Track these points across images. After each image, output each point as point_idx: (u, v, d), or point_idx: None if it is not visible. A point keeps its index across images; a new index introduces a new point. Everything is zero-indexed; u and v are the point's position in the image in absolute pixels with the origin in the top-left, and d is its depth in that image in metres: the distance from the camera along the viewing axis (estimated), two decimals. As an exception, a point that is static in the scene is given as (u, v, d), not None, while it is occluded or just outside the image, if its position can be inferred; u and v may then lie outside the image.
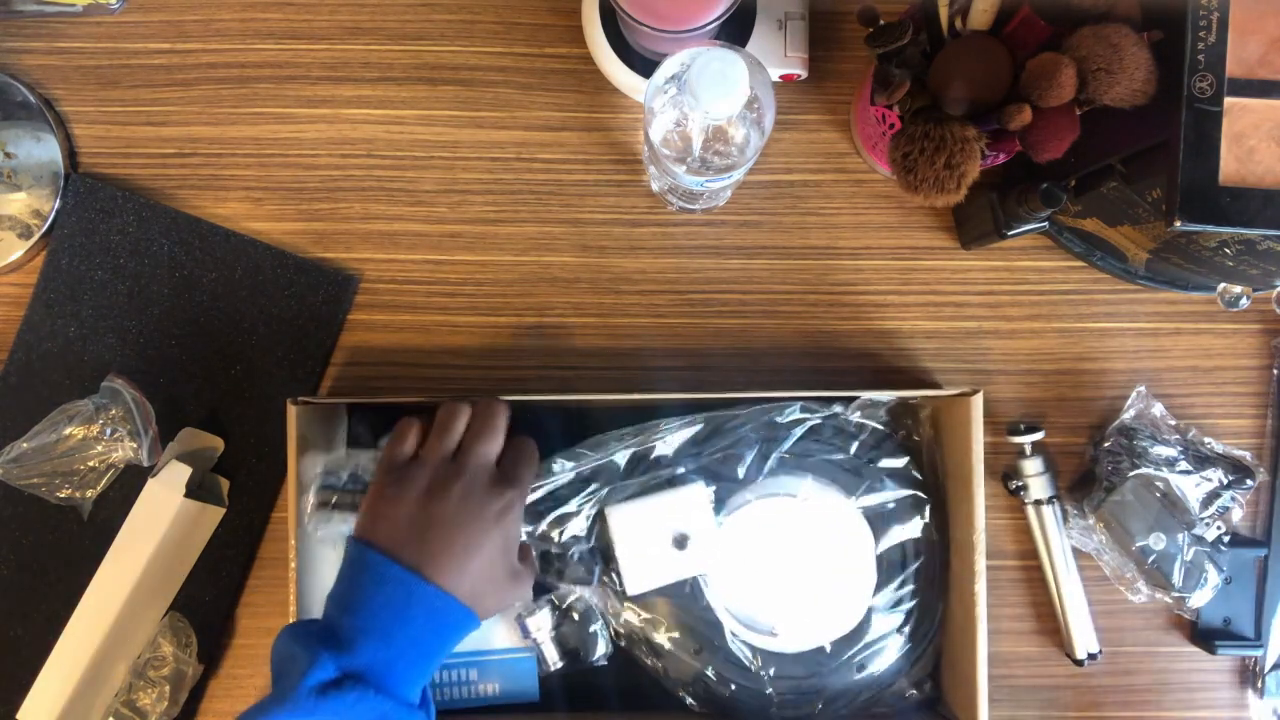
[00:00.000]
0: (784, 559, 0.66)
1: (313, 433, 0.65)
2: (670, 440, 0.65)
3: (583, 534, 0.64)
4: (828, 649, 0.66)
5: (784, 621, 0.66)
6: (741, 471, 0.65)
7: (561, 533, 0.64)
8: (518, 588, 0.59)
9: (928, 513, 0.67)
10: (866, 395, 0.66)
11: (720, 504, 0.65)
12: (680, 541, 0.64)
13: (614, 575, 0.64)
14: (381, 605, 0.53)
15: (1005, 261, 0.73)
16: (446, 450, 0.59)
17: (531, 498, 0.63)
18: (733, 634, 0.65)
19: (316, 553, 0.64)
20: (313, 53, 0.72)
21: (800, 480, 0.66)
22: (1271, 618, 0.71)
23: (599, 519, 0.64)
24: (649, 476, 0.65)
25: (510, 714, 0.68)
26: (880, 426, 0.67)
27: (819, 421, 0.66)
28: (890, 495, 0.66)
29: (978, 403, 0.64)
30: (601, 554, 0.65)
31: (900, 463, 0.67)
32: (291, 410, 0.62)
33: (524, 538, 0.63)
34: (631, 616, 0.65)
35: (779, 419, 0.65)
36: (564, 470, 0.64)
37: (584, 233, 0.72)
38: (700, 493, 0.64)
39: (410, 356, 0.72)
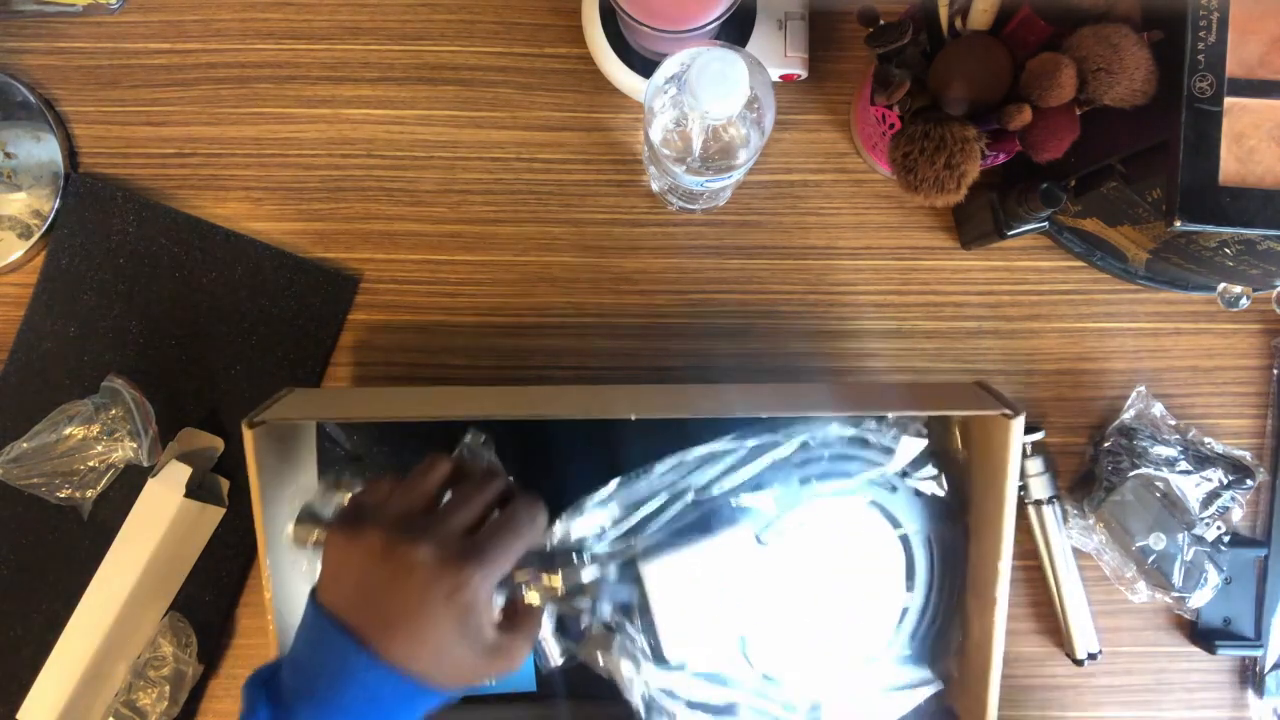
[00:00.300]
0: (818, 589, 0.62)
1: (281, 438, 0.63)
2: (700, 475, 0.60)
3: (605, 592, 0.57)
4: (851, 668, 0.64)
5: (815, 655, 0.63)
6: (775, 502, 0.60)
7: (581, 591, 0.57)
8: (498, 661, 0.51)
9: (954, 525, 0.65)
10: (900, 414, 0.63)
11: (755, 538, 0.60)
12: (723, 596, 0.57)
13: (642, 636, 0.57)
14: (320, 669, 0.48)
15: (1005, 261, 0.73)
16: (407, 507, 0.52)
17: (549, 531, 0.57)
18: (765, 676, 0.62)
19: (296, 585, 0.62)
20: (313, 53, 0.72)
21: (833, 502, 0.62)
22: (1271, 618, 0.71)
23: (626, 572, 0.57)
24: (679, 515, 0.59)
25: (507, 704, 0.68)
26: (917, 439, 0.63)
27: (852, 439, 0.62)
28: (921, 510, 0.64)
29: (1018, 427, 0.58)
30: (624, 611, 0.58)
31: (933, 479, 0.64)
32: (249, 435, 0.56)
33: (536, 598, 0.56)
34: (660, 681, 0.58)
35: (810, 441, 0.61)
36: (589, 512, 0.57)
37: (584, 233, 0.72)
38: (744, 536, 0.58)
39: (410, 357, 0.72)
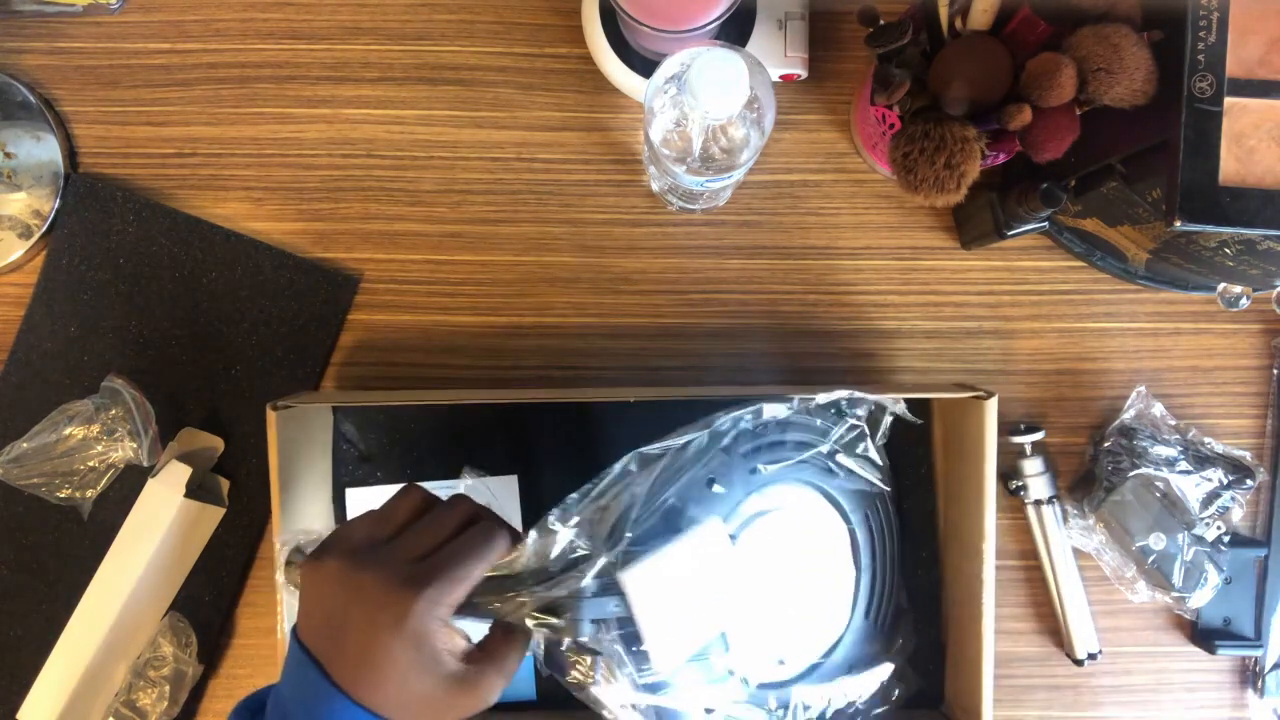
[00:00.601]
0: (779, 579, 0.61)
1: (299, 437, 0.64)
2: (651, 477, 0.56)
3: (584, 609, 0.52)
4: (819, 660, 0.63)
5: (786, 647, 0.61)
6: (730, 492, 0.58)
7: (555, 610, 0.51)
8: (465, 695, 0.48)
9: (888, 502, 0.65)
10: (844, 396, 0.61)
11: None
12: (704, 594, 0.54)
13: (626, 652, 0.53)
14: (298, 706, 0.47)
15: (1005, 261, 0.73)
16: (369, 536, 0.50)
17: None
18: (744, 680, 0.59)
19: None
20: (313, 53, 0.72)
21: (781, 489, 0.61)
22: (1271, 618, 0.71)
23: (602, 585, 0.53)
24: (644, 520, 0.55)
25: (507, 712, 0.68)
26: (854, 421, 0.62)
27: (789, 423, 0.60)
28: (859, 492, 0.63)
29: (992, 407, 0.61)
30: (605, 628, 0.53)
31: (870, 458, 0.63)
32: (272, 416, 0.59)
33: (530, 622, 0.51)
34: (646, 699, 0.54)
35: (750, 428, 0.59)
36: (555, 529, 0.53)
37: (584, 233, 0.72)
38: (715, 530, 0.56)
39: (410, 357, 0.72)
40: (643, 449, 0.56)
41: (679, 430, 0.57)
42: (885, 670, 0.65)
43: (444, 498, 0.53)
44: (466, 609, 0.49)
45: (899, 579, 0.67)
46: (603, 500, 0.54)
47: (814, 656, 0.63)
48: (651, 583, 0.52)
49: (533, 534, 0.52)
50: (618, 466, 0.56)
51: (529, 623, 0.50)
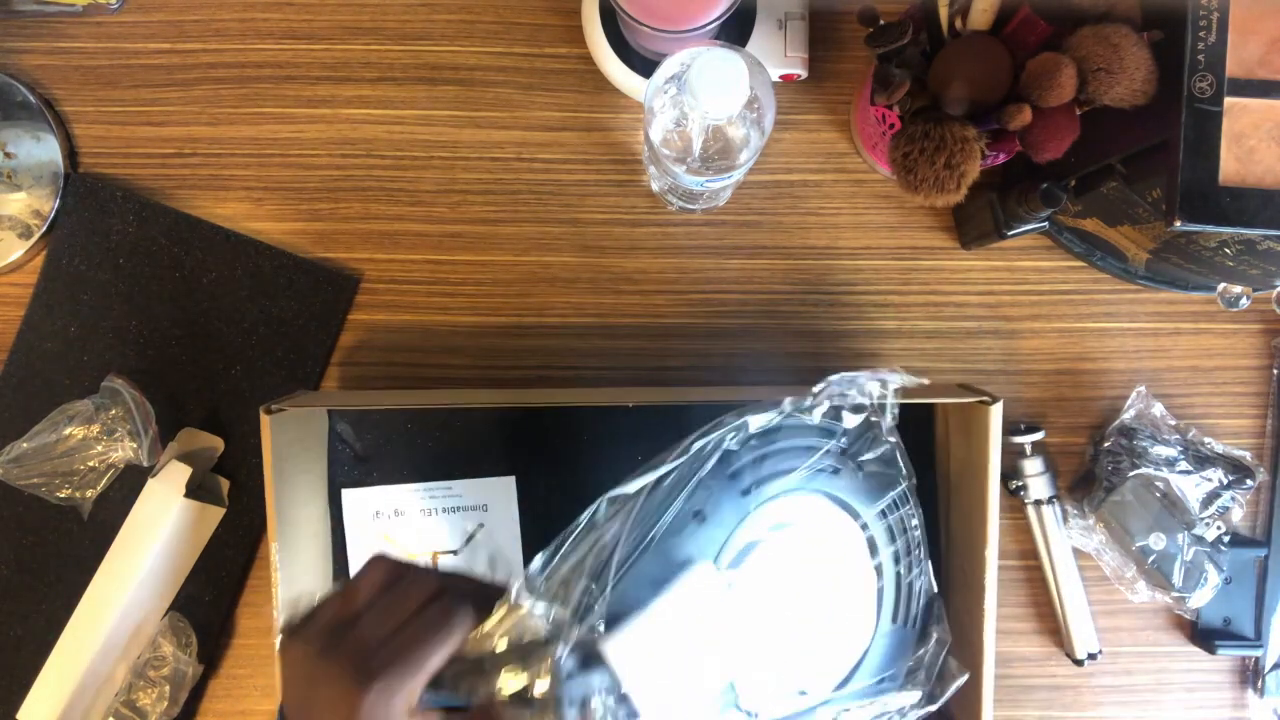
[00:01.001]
0: (789, 606, 0.56)
1: (295, 439, 0.64)
2: (626, 522, 0.50)
3: (566, 690, 0.45)
4: (844, 679, 0.59)
5: (807, 676, 0.57)
6: (721, 522, 0.53)
7: (527, 699, 0.46)
8: None
9: (909, 492, 0.61)
10: (870, 373, 0.56)
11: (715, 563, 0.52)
12: (702, 649, 0.49)
13: None
14: None
15: (1005, 261, 0.73)
16: (338, 616, 0.48)
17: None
18: None
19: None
20: (313, 53, 0.72)
21: (783, 504, 0.56)
22: (1271, 618, 0.71)
23: (584, 659, 0.47)
24: (623, 575, 0.49)
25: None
26: (855, 415, 0.56)
27: (777, 430, 0.55)
28: (870, 486, 0.59)
29: (996, 414, 0.60)
30: (592, 705, 0.47)
31: (882, 447, 0.59)
32: (265, 420, 0.59)
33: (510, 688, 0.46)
34: None
35: (734, 446, 0.53)
36: (524, 601, 0.47)
37: (584, 233, 0.72)
38: (705, 574, 0.50)
39: (410, 357, 0.72)
40: (612, 492, 0.50)
41: (652, 462, 0.52)
42: (919, 680, 0.60)
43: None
44: (442, 694, 0.46)
45: (926, 572, 0.62)
46: (574, 557, 0.49)
47: (839, 676, 0.58)
48: (639, 649, 0.47)
49: (498, 607, 0.47)
50: (586, 516, 0.50)
51: (506, 710, 0.45)
